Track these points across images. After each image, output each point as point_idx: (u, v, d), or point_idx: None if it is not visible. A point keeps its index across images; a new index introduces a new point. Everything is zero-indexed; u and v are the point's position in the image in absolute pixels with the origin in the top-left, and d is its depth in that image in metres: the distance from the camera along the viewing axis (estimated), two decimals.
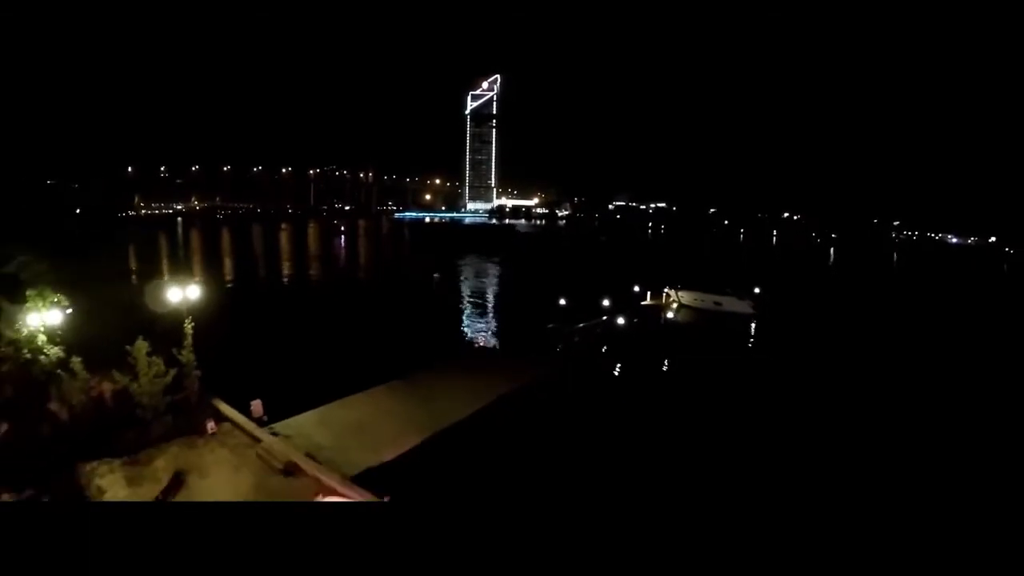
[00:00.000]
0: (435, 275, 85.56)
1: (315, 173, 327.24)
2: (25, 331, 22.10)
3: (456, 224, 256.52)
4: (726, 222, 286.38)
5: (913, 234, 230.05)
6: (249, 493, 18.40)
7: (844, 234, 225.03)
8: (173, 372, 22.83)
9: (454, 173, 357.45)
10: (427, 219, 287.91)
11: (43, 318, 22.68)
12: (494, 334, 50.71)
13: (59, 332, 23.26)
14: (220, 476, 19.62)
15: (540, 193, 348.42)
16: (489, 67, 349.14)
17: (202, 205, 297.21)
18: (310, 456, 19.70)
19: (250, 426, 22.39)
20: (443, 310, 61.44)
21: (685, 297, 60.97)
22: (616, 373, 38.41)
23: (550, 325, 42.06)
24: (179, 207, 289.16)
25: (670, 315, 56.59)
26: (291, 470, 19.07)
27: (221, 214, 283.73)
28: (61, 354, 22.82)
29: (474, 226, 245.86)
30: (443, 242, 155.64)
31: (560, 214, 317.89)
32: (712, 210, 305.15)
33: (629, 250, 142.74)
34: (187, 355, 23.70)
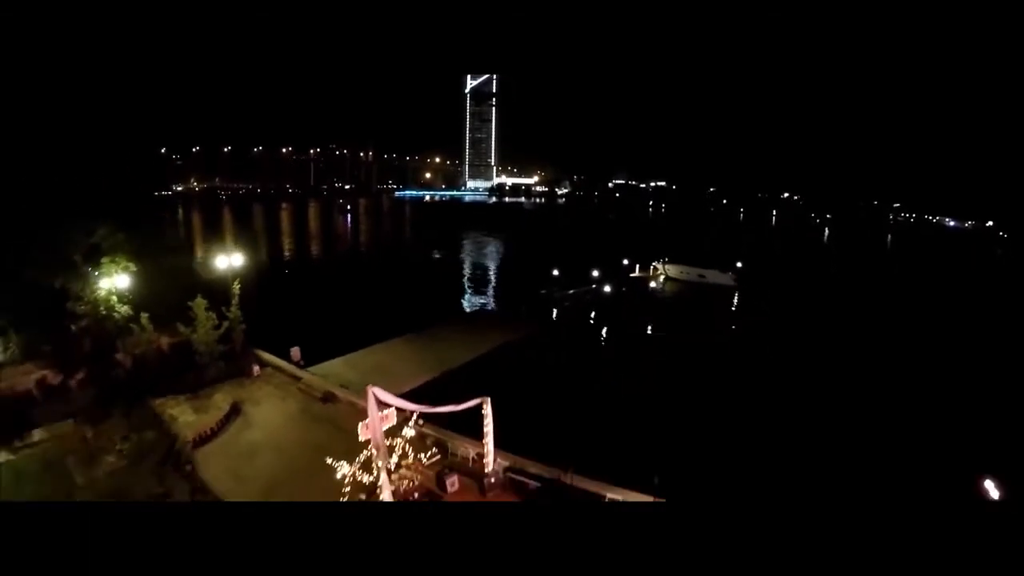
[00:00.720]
0: (435, 254, 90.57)
1: (315, 153, 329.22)
2: (101, 292, 26.84)
3: (456, 202, 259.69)
4: (724, 201, 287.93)
5: (911, 217, 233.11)
6: (296, 414, 23.31)
7: (840, 215, 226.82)
8: (225, 325, 27.67)
9: (454, 151, 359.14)
10: (427, 198, 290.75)
11: (113, 281, 27.40)
12: (494, 298, 55.99)
13: (127, 293, 28.01)
14: (270, 404, 24.51)
15: (540, 171, 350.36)
16: (487, 58, 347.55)
17: (201, 186, 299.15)
18: (343, 387, 24.63)
19: (290, 368, 27.31)
20: (447, 279, 67.12)
21: (671, 270, 65.48)
22: (603, 333, 43.37)
23: (543, 291, 46.89)
24: (179, 188, 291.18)
25: (655, 285, 61.29)
26: (328, 398, 23.99)
27: (222, 195, 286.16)
28: (130, 312, 27.65)
29: (474, 204, 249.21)
30: (444, 219, 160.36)
31: (559, 192, 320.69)
32: (712, 189, 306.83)
33: (626, 227, 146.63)
34: (234, 312, 28.48)
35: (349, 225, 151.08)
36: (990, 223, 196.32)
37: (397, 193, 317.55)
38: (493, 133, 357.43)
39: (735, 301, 60.04)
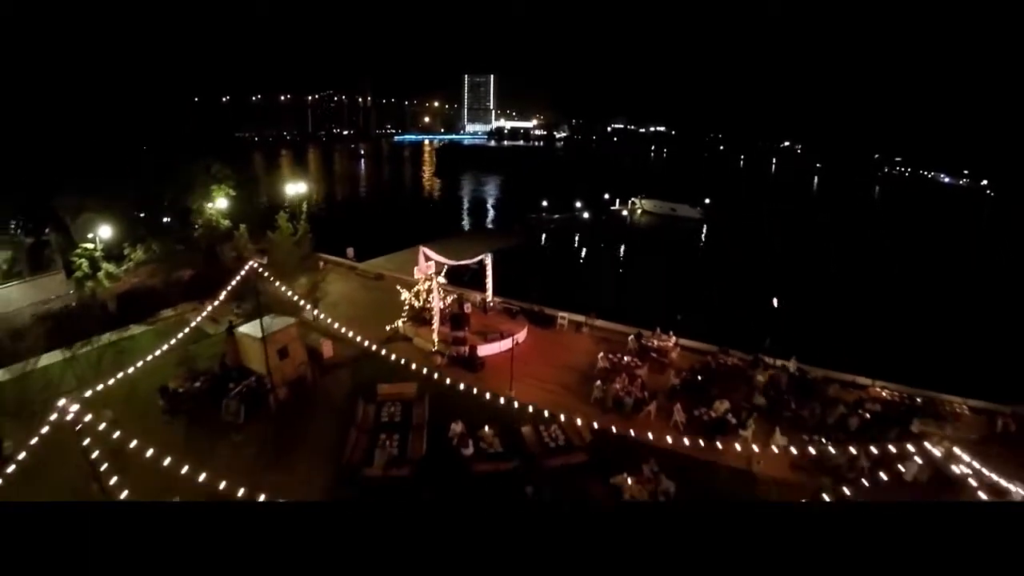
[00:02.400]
0: (438, 190, 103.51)
1: (312, 100, 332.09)
2: (213, 210, 37.95)
3: (456, 146, 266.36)
4: (721, 148, 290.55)
5: (905, 170, 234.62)
6: (357, 287, 34.90)
7: (831, 165, 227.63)
8: (300, 233, 38.96)
9: (453, 95, 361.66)
10: (426, 142, 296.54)
11: (216, 203, 38.45)
12: (490, 221, 68.87)
13: (225, 212, 39.11)
14: (338, 283, 36.02)
15: (538, 115, 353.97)
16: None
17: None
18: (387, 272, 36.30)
19: (347, 262, 38.84)
20: (450, 206, 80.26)
21: (646, 204, 76.28)
22: (583, 251, 55.07)
23: (532, 215, 58.15)
24: None
25: (629, 217, 72.35)
26: (379, 277, 35.59)
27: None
28: (229, 225, 38.84)
29: (474, 147, 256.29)
30: (445, 161, 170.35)
31: (558, 136, 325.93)
32: (712, 136, 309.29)
33: (621, 169, 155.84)
34: (303, 224, 39.72)
35: (363, 167, 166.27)
36: (984, 182, 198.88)
37: (396, 138, 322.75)
38: (492, 76, 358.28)
39: (703, 233, 71.13)
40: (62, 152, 51.41)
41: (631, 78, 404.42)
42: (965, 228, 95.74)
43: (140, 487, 13.99)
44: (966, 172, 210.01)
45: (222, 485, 13.45)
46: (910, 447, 15.72)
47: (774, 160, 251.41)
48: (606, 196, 75.16)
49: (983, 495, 11.42)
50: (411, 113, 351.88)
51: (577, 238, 56.58)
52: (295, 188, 40.36)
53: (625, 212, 72.13)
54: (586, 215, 61.50)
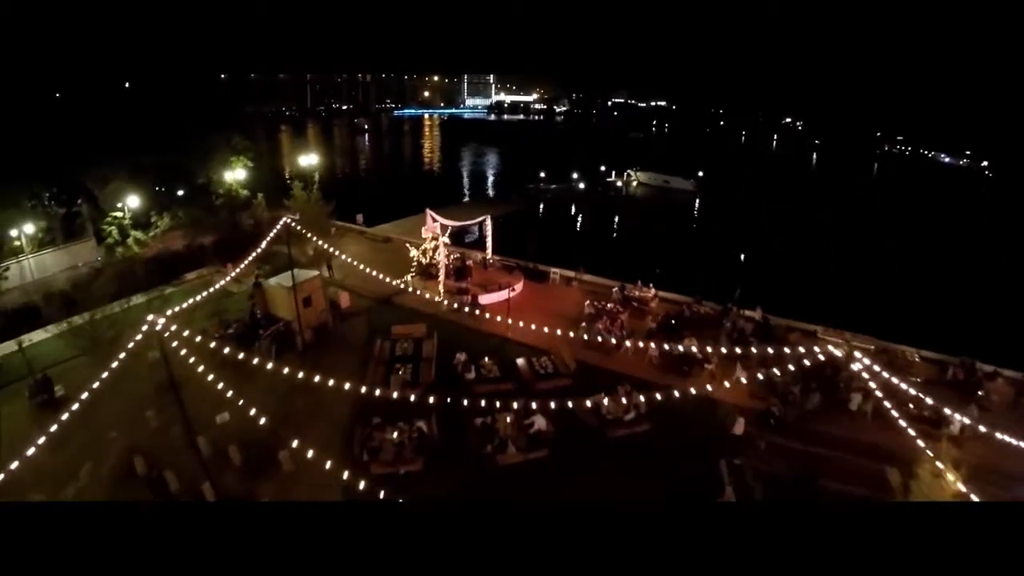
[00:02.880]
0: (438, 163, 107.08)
1: (311, 77, 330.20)
2: (231, 181, 40.90)
3: (456, 119, 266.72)
4: (721, 123, 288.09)
5: (906, 149, 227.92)
6: (367, 249, 37.87)
7: (830, 142, 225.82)
8: (313, 199, 41.90)
9: (452, 69, 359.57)
10: (426, 116, 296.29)
11: (235, 173, 41.39)
12: (490, 190, 72.40)
13: (243, 182, 42.05)
14: (350, 246, 38.85)
15: (539, 89, 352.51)
16: None
17: None
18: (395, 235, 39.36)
19: (356, 227, 41.87)
20: (451, 177, 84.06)
21: (641, 176, 78.79)
22: (578, 220, 58.06)
23: (530, 185, 61.05)
24: None
25: (625, 188, 75.07)
26: (387, 240, 38.64)
27: None
28: (248, 194, 41.80)
29: (474, 121, 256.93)
30: (446, 134, 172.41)
31: (558, 110, 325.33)
32: (714, 111, 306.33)
33: (618, 143, 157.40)
34: (315, 192, 42.62)
35: (366, 141, 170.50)
36: (984, 163, 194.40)
37: (396, 112, 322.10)
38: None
39: (695, 204, 73.77)
40: (90, 128, 53.98)
41: (633, 52, 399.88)
42: (955, 203, 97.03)
43: (194, 407, 15.55)
44: (968, 153, 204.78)
45: (253, 411, 14.60)
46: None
47: (775, 136, 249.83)
48: (602, 168, 77.77)
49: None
50: (411, 88, 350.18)
51: (573, 207, 59.55)
52: (307, 159, 43.13)
53: (620, 183, 74.82)
54: (582, 185, 64.36)
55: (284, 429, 16.31)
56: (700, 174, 79.23)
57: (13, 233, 33.24)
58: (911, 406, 17.91)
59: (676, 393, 15.78)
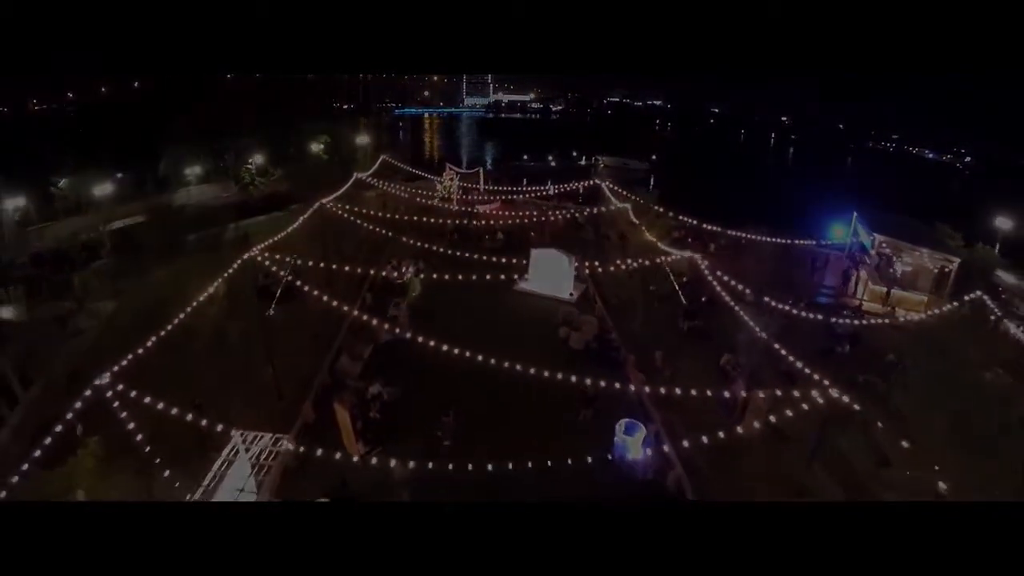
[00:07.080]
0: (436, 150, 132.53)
1: (311, 78, 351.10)
2: (248, 173, 64.84)
3: (455, 118, 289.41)
4: (711, 121, 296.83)
5: (890, 146, 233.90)
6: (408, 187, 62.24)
7: (806, 135, 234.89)
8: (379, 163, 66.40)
9: (452, 69, 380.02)
10: (426, 115, 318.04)
11: (251, 163, 65.49)
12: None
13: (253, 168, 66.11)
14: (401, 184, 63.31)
15: (536, 88, 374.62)
16: None
17: None
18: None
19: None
20: (451, 160, 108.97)
21: (605, 159, 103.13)
22: None
23: (515, 163, 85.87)
24: None
25: (593, 169, 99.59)
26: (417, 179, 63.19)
27: None
28: (264, 181, 65.81)
29: (472, 119, 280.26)
30: (445, 130, 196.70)
31: (554, 109, 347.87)
32: (712, 109, 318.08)
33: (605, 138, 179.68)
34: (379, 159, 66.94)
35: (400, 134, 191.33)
36: (968, 159, 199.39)
37: (396, 111, 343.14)
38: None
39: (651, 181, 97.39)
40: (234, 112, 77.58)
41: (632, 52, 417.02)
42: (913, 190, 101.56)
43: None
44: (956, 150, 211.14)
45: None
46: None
47: (772, 135, 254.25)
48: (574, 153, 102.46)
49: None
50: (411, 88, 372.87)
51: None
52: (361, 140, 67.80)
53: (588, 164, 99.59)
54: (553, 164, 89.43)
55: None
56: (653, 157, 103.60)
57: (187, 172, 57.68)
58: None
59: None
